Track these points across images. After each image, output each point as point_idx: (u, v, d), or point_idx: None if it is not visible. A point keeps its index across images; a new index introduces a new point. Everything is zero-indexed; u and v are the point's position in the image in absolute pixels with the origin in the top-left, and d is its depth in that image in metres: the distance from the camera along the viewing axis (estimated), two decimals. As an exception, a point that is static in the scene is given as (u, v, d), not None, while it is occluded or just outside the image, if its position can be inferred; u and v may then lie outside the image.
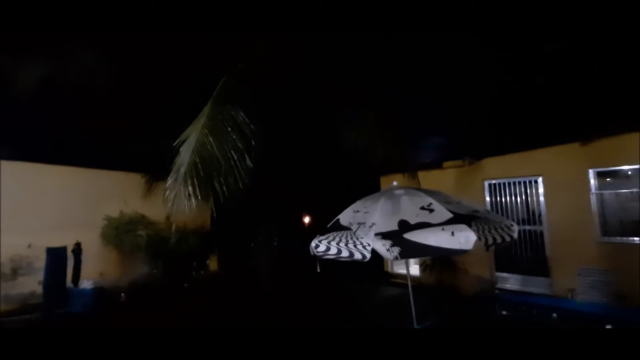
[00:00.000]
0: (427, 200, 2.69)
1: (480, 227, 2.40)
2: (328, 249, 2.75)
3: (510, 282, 6.97)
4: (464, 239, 2.26)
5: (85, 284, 6.13)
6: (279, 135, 5.18)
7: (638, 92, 4.75)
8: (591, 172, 6.04)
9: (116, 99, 5.72)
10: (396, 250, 2.34)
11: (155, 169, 6.07)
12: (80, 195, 7.46)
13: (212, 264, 8.39)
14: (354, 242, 2.55)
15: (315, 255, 2.94)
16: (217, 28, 4.32)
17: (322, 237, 2.91)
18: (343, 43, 4.65)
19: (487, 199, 7.43)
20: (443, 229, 2.36)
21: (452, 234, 2.31)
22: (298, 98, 5.07)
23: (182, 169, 3.47)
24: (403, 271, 8.25)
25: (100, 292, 6.10)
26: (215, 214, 6.77)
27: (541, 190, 6.68)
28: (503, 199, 7.25)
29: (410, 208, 2.64)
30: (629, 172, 5.78)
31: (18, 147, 6.38)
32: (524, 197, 6.97)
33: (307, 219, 10.41)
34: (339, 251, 2.62)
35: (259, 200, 5.81)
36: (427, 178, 7.47)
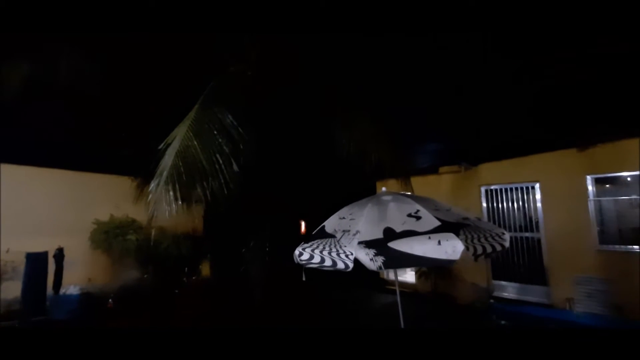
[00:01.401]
0: (415, 207, 2.57)
1: (469, 236, 2.28)
2: (311, 257, 2.63)
3: (508, 290, 6.82)
4: (451, 248, 2.14)
5: (72, 289, 5.97)
6: (272, 138, 5.09)
7: (637, 97, 4.66)
8: (589, 178, 5.93)
9: (106, 101, 5.63)
10: (380, 259, 2.22)
11: (145, 172, 5.96)
12: (69, 198, 7.34)
13: (204, 269, 8.25)
14: (337, 250, 2.42)
15: (299, 264, 2.82)
16: (210, 29, 4.23)
17: (306, 245, 2.79)
18: (338, 45, 4.57)
19: (484, 205, 7.31)
20: (429, 238, 2.24)
21: (439, 243, 2.19)
22: (292, 101, 4.98)
23: (165, 173, 3.36)
24: (400, 278, 8.10)
25: (86, 298, 5.94)
26: (205, 219, 6.67)
27: (538, 196, 6.56)
28: (500, 205, 7.13)
29: (396, 215, 2.52)
30: (628, 179, 5.67)
31: (4, 150, 6.26)
32: (521, 204, 6.85)
33: (300, 225, 10.28)
34: (322, 260, 2.50)
35: (251, 205, 5.70)
36: (423, 183, 7.38)
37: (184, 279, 7.84)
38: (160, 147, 3.85)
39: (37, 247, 6.11)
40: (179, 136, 3.66)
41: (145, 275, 7.45)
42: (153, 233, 5.05)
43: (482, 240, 2.34)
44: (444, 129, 6.88)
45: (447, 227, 2.33)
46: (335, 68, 4.89)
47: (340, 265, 2.33)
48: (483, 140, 6.71)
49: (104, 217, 7.50)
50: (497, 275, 6.97)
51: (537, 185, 6.59)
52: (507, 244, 2.44)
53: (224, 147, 3.76)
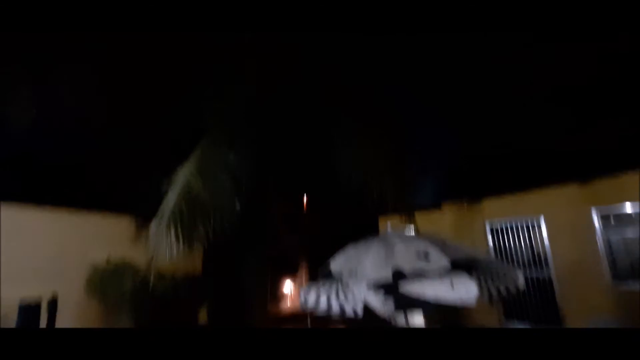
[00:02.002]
0: (423, 246, 2.50)
1: (482, 277, 2.20)
2: (318, 303, 2.51)
3: (521, 331, 6.48)
4: (464, 290, 2.05)
5: (63, 338, 5.62)
6: (274, 171, 5.04)
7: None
8: (594, 211, 5.87)
9: (105, 133, 5.38)
10: (391, 304, 2.12)
11: (145, 212, 5.88)
12: (63, 241, 7.12)
13: (203, 314, 7.90)
14: (345, 294, 2.32)
15: (304, 309, 2.69)
16: (211, 27, 4.08)
17: (311, 287, 2.68)
18: (340, 50, 4.47)
19: (489, 238, 7.17)
20: (441, 279, 2.15)
21: (451, 284, 2.10)
22: (295, 130, 4.94)
23: (166, 215, 3.31)
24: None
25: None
26: (204, 262, 6.48)
27: (544, 231, 6.44)
28: (505, 240, 6.99)
29: (404, 255, 2.44)
30: (632, 216, 5.58)
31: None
32: (527, 239, 6.71)
33: (303, 263, 10.03)
34: (329, 307, 2.38)
35: (251, 245, 5.58)
36: (427, 220, 7.29)
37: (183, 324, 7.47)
38: (162, 186, 3.84)
39: (24, 293, 5.82)
40: (182, 177, 3.66)
41: (142, 322, 7.09)
42: (152, 277, 4.84)
43: (495, 280, 2.26)
44: (446, 165, 6.89)
45: (457, 266, 2.25)
46: (339, 73, 4.79)
47: (349, 313, 2.21)
48: (486, 174, 6.67)
49: (100, 258, 7.27)
50: (510, 315, 6.66)
51: (542, 220, 6.50)
52: (522, 287, 2.35)
53: (227, 187, 3.74)
